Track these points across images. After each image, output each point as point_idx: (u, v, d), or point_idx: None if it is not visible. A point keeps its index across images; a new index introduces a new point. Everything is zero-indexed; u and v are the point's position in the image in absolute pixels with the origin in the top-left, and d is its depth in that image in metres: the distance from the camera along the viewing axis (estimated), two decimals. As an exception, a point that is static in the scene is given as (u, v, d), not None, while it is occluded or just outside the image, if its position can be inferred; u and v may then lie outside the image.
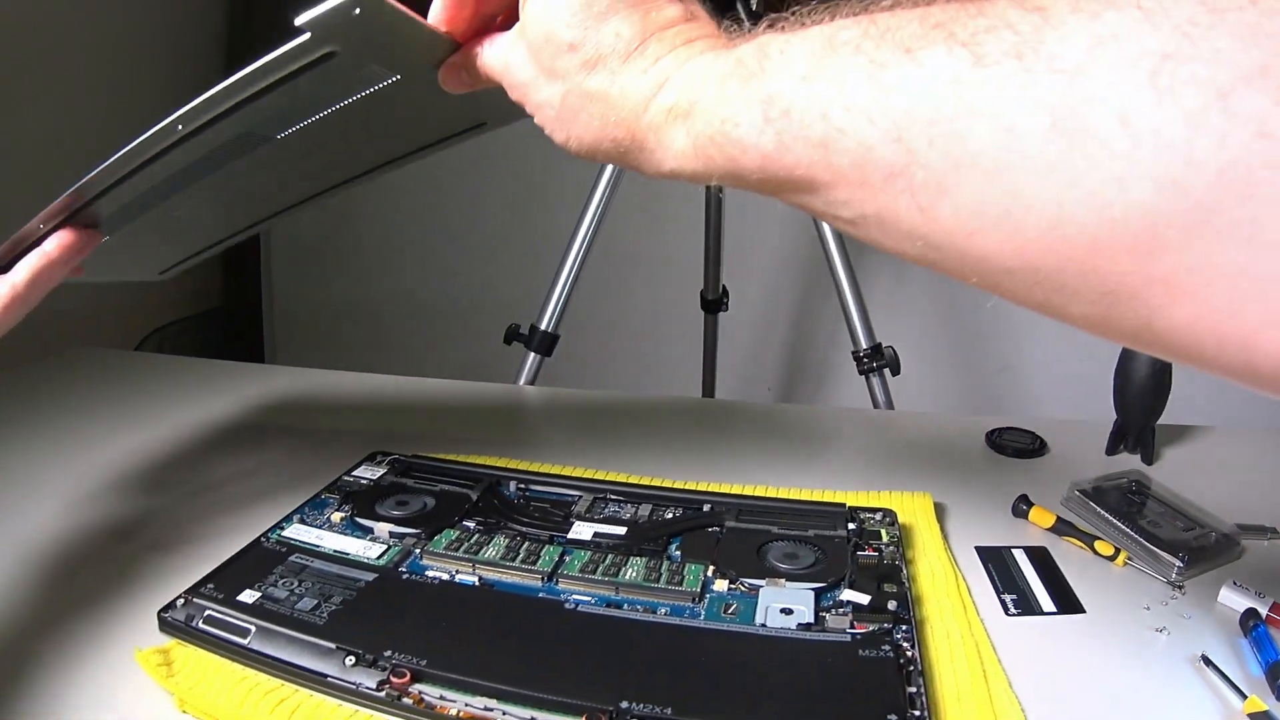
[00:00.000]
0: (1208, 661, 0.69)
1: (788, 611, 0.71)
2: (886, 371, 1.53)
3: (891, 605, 0.71)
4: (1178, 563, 0.81)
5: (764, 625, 0.69)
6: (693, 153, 0.48)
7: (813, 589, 0.74)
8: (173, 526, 0.89)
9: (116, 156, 0.64)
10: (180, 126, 0.61)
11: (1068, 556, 0.87)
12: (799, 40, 0.43)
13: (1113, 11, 0.33)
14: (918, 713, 0.59)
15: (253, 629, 0.67)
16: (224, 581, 0.73)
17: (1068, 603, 0.79)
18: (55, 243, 0.70)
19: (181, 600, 0.71)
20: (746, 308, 2.30)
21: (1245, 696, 0.64)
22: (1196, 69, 0.30)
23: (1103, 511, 0.92)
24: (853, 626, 0.69)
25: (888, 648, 0.66)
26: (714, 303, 2.00)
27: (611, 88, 0.50)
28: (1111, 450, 1.10)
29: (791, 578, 0.76)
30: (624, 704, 0.59)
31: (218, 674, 0.65)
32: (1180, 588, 0.81)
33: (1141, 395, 1.05)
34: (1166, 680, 0.68)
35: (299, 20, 0.53)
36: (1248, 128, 0.30)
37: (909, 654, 0.66)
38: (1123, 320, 0.35)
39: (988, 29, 0.36)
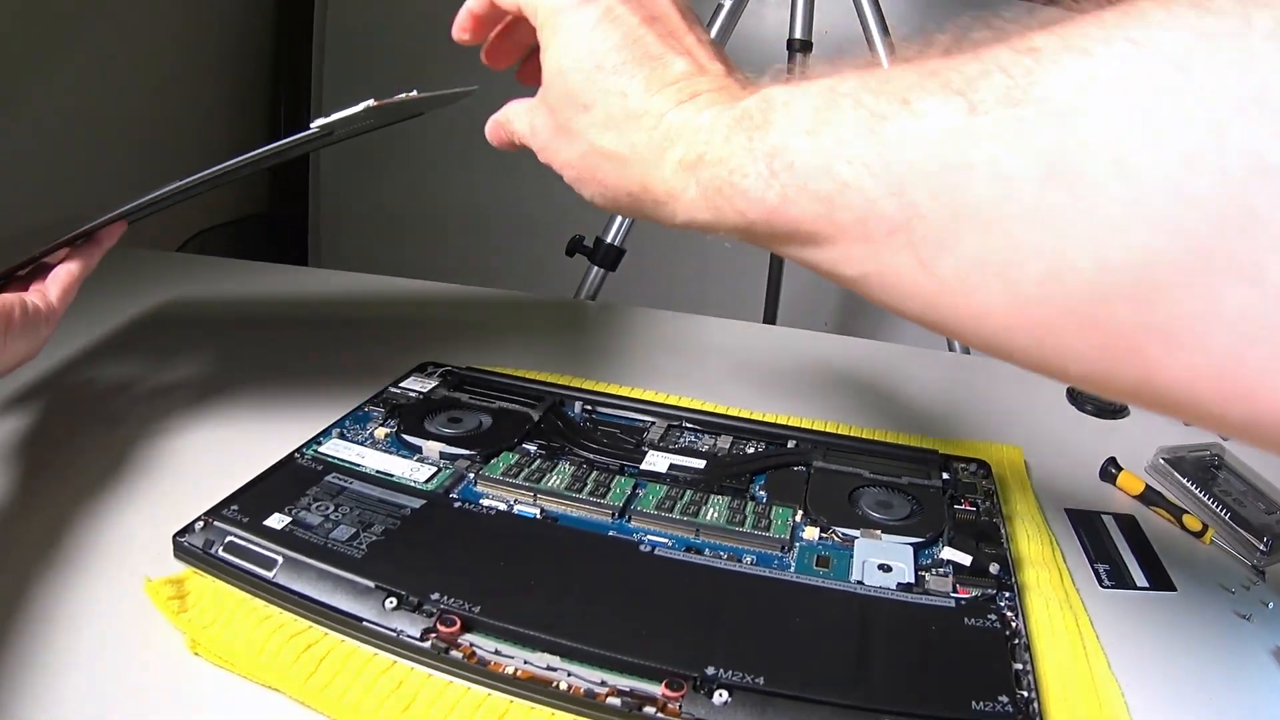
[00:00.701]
0: None
1: (886, 568, 0.66)
2: None
3: (994, 568, 0.66)
4: (1261, 546, 0.77)
5: (860, 582, 0.65)
6: (703, 203, 0.48)
7: (911, 544, 0.69)
8: (200, 440, 0.83)
9: (159, 194, 0.74)
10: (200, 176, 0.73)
11: (1156, 528, 0.83)
12: (802, 92, 0.43)
13: (1103, 46, 0.32)
14: (1026, 693, 0.55)
15: (280, 560, 0.61)
16: (250, 503, 0.66)
17: (1160, 578, 0.75)
18: (80, 261, 0.76)
19: (200, 523, 0.64)
20: None
21: None
22: (1190, 103, 0.29)
23: (1187, 483, 0.87)
24: (955, 590, 0.64)
25: (994, 616, 0.61)
26: None
27: (622, 145, 0.51)
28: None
29: (887, 529, 0.71)
30: (710, 670, 0.53)
31: (237, 611, 0.58)
32: (1262, 573, 0.77)
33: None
34: (1253, 672, 0.65)
35: (316, 124, 0.67)
36: (1247, 162, 0.28)
37: (1014, 625, 0.61)
38: (1123, 375, 0.34)
39: (981, 74, 0.35)
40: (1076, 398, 1.09)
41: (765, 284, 2.05)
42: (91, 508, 0.70)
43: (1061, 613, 0.67)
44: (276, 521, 0.64)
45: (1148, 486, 0.87)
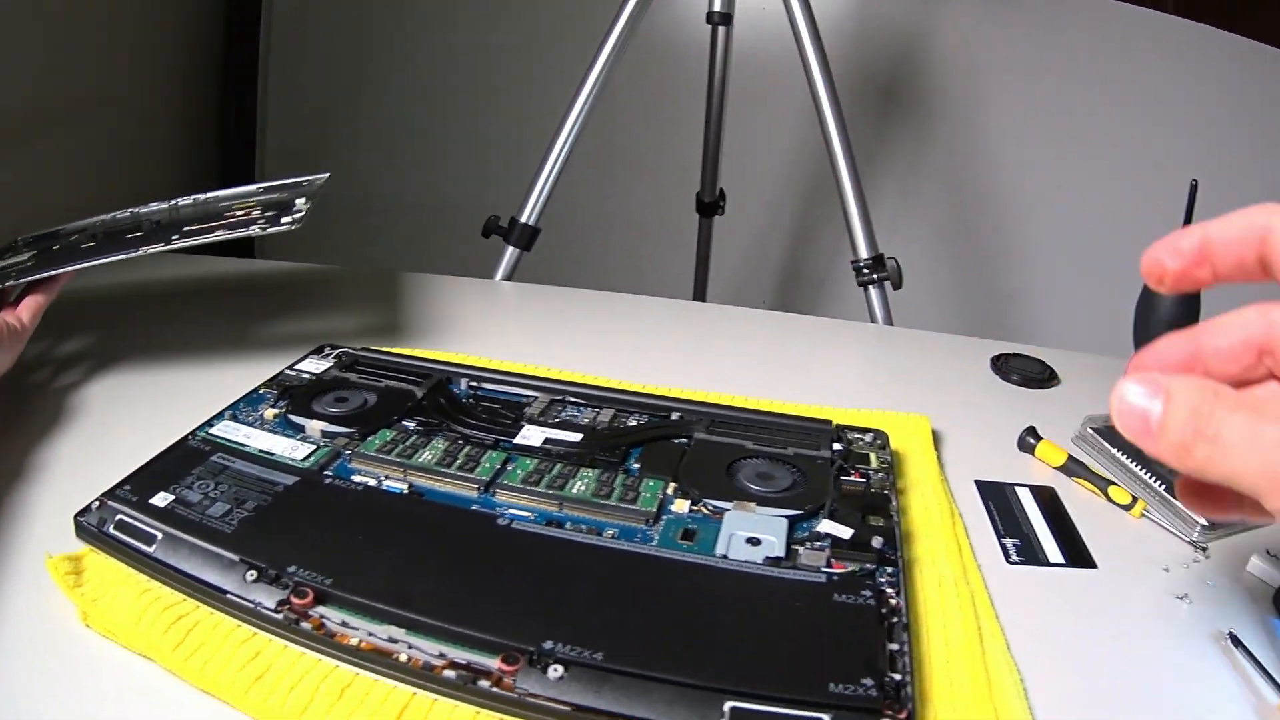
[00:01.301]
0: (1236, 641, 0.60)
1: (754, 542, 0.62)
2: (887, 285, 1.45)
3: (877, 542, 0.62)
4: (1201, 521, 0.73)
5: (725, 556, 0.61)
6: None
7: (787, 517, 0.65)
8: (113, 424, 0.82)
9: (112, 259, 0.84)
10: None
11: (1078, 501, 0.79)
12: None
13: None
14: (899, 676, 0.50)
15: (159, 536, 0.60)
16: (141, 483, 0.66)
17: (1077, 554, 0.71)
18: (45, 294, 0.85)
19: (97, 503, 0.64)
20: (744, 214, 2.22)
21: None
22: None
23: (1119, 454, 0.83)
24: (829, 565, 0.60)
25: (868, 593, 0.56)
26: (710, 205, 1.91)
27: None
28: None
29: (763, 502, 0.67)
30: (547, 644, 0.51)
31: (122, 585, 0.59)
32: (1203, 550, 0.72)
33: (1166, 331, 0.93)
34: (1187, 656, 0.60)
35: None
36: None
37: (893, 602, 0.57)
38: None
39: None
40: (1002, 367, 1.04)
41: (694, 264, 2.02)
42: (10, 488, 0.71)
43: (956, 590, 0.63)
44: (161, 500, 0.64)
45: (1070, 457, 0.82)
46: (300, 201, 0.90)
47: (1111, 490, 0.78)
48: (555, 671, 0.50)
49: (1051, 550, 0.71)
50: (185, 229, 0.87)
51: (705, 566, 0.59)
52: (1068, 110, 2.20)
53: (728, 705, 0.48)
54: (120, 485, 0.65)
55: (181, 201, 0.98)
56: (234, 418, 0.77)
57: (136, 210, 0.97)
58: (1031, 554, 0.70)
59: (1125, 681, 0.57)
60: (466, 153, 2.67)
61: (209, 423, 0.76)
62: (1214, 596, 0.66)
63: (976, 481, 0.80)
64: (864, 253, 1.44)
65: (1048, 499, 0.78)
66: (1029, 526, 0.74)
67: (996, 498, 0.78)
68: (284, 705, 0.50)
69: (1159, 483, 0.78)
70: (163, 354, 0.96)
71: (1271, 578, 0.67)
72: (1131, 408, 0.38)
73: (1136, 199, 2.14)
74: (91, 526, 0.62)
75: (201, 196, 1.00)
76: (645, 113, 2.40)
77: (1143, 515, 0.76)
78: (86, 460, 0.76)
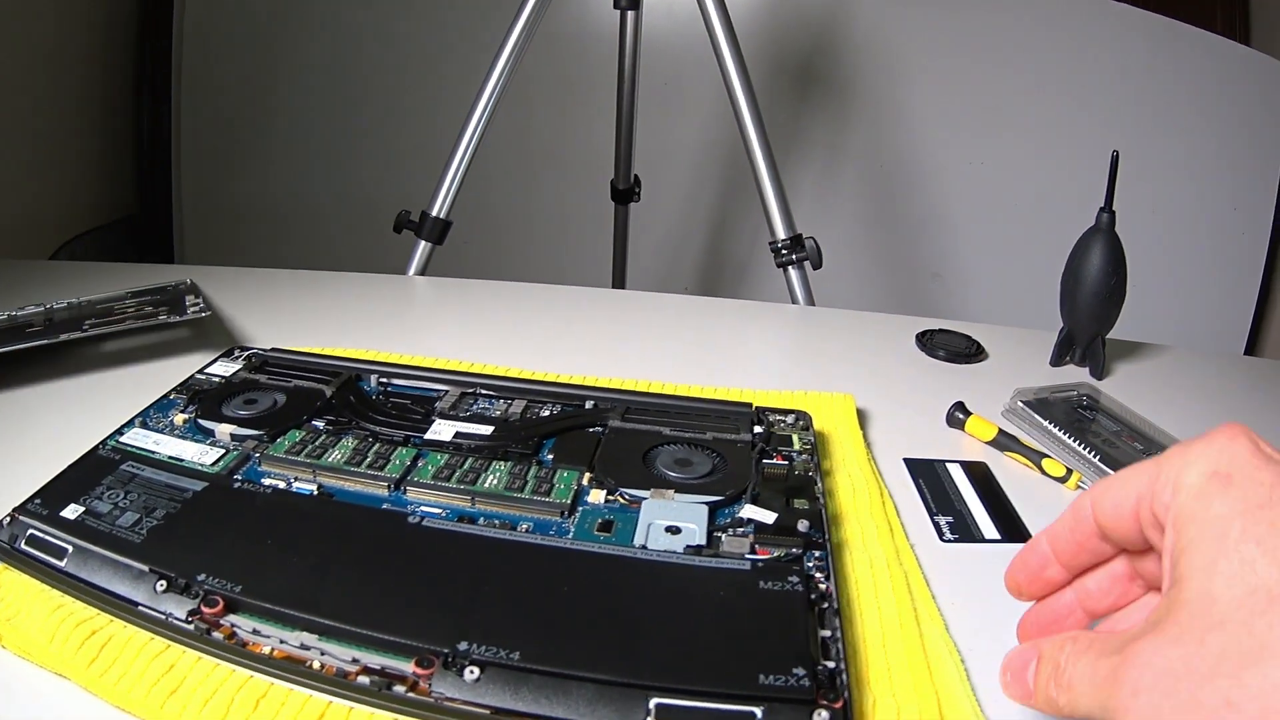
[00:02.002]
0: None
1: (674, 530, 0.60)
2: (807, 265, 1.43)
3: (802, 526, 0.60)
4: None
5: (644, 547, 0.59)
6: None
7: (707, 503, 0.63)
8: (18, 438, 0.79)
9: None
10: None
11: (1011, 475, 0.78)
12: None
13: None
14: (831, 663, 0.49)
15: (70, 549, 0.58)
16: (52, 496, 0.63)
17: (1013, 530, 0.70)
18: None
19: (8, 518, 0.61)
20: (661, 201, 2.21)
21: None
22: None
23: (1051, 426, 0.82)
24: (754, 551, 0.58)
25: (796, 579, 0.54)
26: (625, 193, 1.90)
27: None
28: (1057, 361, 1.01)
29: (682, 489, 0.65)
30: (462, 645, 0.49)
31: (35, 602, 0.57)
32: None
33: (1093, 300, 0.94)
34: None
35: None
36: None
37: (822, 587, 0.55)
38: None
39: None
40: (927, 343, 1.03)
41: (611, 253, 2.01)
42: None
43: (889, 572, 0.61)
44: (71, 512, 0.62)
45: (1001, 431, 0.81)
46: (190, 298, 0.98)
47: (1045, 463, 0.77)
48: (471, 674, 0.48)
49: (986, 526, 0.70)
50: (87, 323, 0.90)
51: (624, 558, 0.57)
52: (985, 88, 2.21)
53: (653, 702, 0.46)
54: (31, 499, 0.63)
55: (56, 304, 1.00)
56: (144, 425, 0.75)
57: (15, 314, 0.97)
58: (966, 531, 0.69)
59: None
60: (378, 149, 2.64)
61: (119, 431, 0.73)
62: None
63: (905, 459, 0.78)
64: (781, 233, 1.42)
65: (980, 474, 0.77)
66: (961, 503, 0.73)
67: (927, 475, 0.76)
68: (199, 718, 0.48)
69: (1093, 453, 0.77)
70: (71, 362, 0.93)
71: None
72: (1016, 675, 0.44)
73: (1057, 174, 2.16)
74: (3, 543, 0.60)
75: (76, 300, 1.01)
76: (556, 100, 2.38)
77: (1078, 487, 0.76)
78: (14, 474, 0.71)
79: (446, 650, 0.49)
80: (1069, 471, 0.76)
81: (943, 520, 0.70)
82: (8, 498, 0.63)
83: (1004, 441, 0.81)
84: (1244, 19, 2.13)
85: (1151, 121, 2.10)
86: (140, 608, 0.54)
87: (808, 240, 1.40)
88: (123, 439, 0.72)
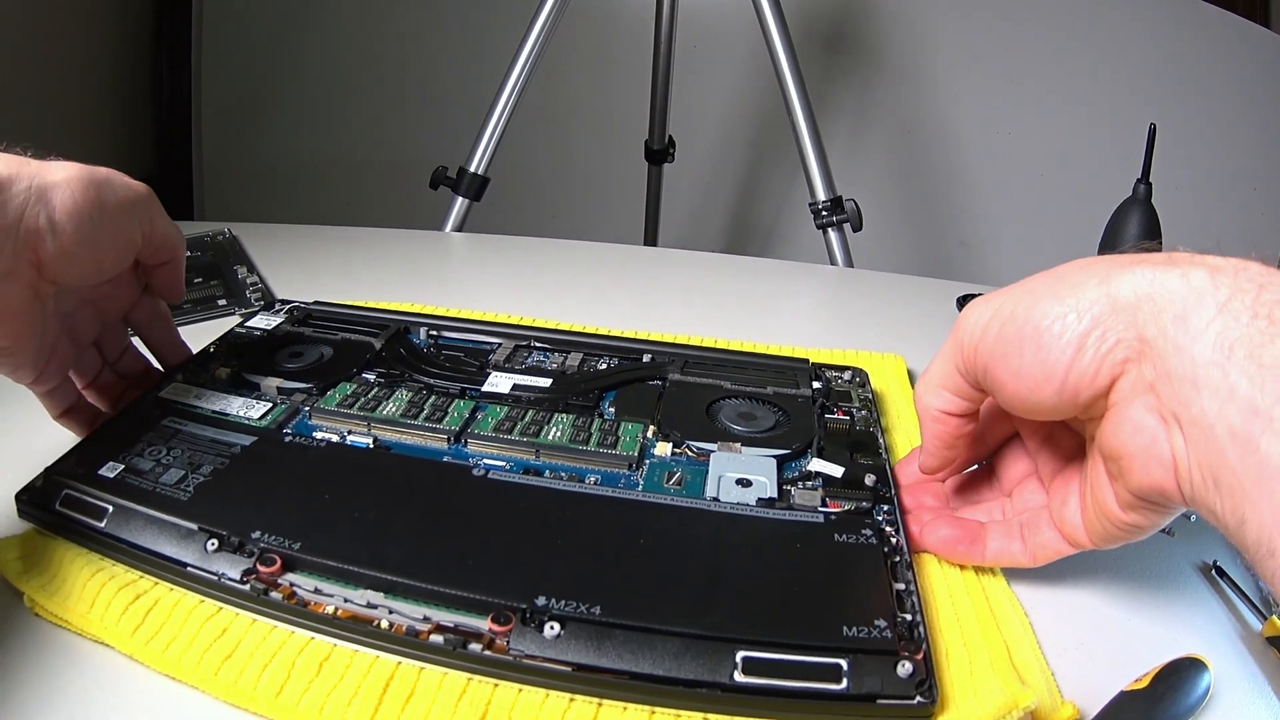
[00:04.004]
0: (1220, 572, 0.59)
1: (745, 483, 0.60)
2: (846, 227, 1.43)
3: (869, 480, 0.60)
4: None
5: (716, 499, 0.58)
6: None
7: (774, 456, 0.63)
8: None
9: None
10: None
11: None
12: None
13: None
14: (909, 615, 0.49)
15: (110, 509, 0.55)
16: (88, 454, 0.60)
17: None
18: None
19: (40, 479, 0.58)
20: (694, 161, 2.21)
21: (1266, 617, 0.54)
22: None
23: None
24: (825, 504, 0.58)
25: (869, 531, 0.55)
26: (659, 153, 1.90)
27: None
28: None
29: (749, 442, 0.65)
30: (540, 600, 0.48)
31: (72, 566, 0.54)
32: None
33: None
34: (1175, 587, 0.59)
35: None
36: None
37: (894, 540, 0.55)
38: None
39: None
40: (969, 308, 1.02)
41: (644, 212, 2.01)
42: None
43: None
44: (110, 470, 0.59)
45: None
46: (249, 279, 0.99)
47: None
48: (552, 629, 0.47)
49: None
50: None
51: (697, 510, 0.57)
52: (1019, 53, 2.20)
53: (740, 655, 0.46)
54: (65, 458, 0.60)
55: None
56: (184, 379, 0.71)
57: None
58: None
59: (1118, 610, 0.57)
60: (402, 108, 2.64)
61: (158, 385, 0.70)
62: (1194, 530, 0.65)
63: None
64: (822, 195, 1.42)
65: None
66: None
67: None
68: (257, 684, 0.47)
69: None
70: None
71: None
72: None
73: (1081, 147, 2.16)
74: (36, 505, 0.58)
75: None
76: (592, 59, 2.37)
77: None
78: (15, 438, 0.70)
79: (524, 606, 0.48)
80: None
81: (997, 481, 0.69)
82: (37, 458, 0.61)
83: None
84: (1264, 2, 2.12)
85: (1173, 99, 2.10)
86: (189, 568, 0.52)
87: (848, 202, 1.40)
88: (162, 394, 0.69)
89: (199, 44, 2.58)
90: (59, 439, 0.64)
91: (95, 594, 0.51)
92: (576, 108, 2.46)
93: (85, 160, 0.57)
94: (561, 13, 1.50)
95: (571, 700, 0.46)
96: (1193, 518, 0.64)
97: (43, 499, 0.57)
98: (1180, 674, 0.47)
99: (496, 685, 0.47)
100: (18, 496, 0.58)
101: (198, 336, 0.80)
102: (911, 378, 0.83)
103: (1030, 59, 2.19)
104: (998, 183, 2.30)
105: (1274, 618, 0.53)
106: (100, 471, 0.58)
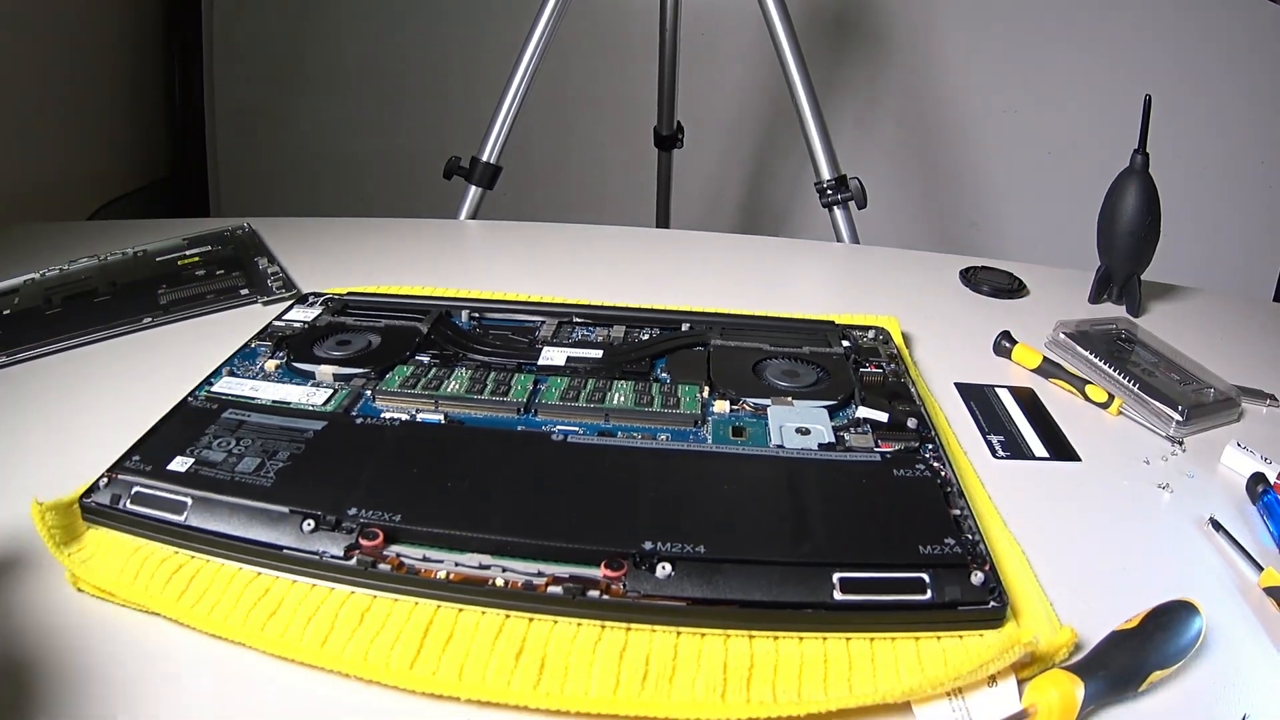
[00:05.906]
0: (1217, 526, 0.64)
1: (804, 431, 0.66)
2: (852, 205, 1.46)
3: (912, 423, 0.67)
4: (1177, 416, 0.77)
5: (781, 446, 0.64)
6: None
7: (824, 406, 0.69)
8: (90, 400, 0.77)
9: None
10: None
11: (1056, 400, 0.82)
12: None
13: None
14: (970, 535, 0.55)
15: (189, 501, 0.57)
16: (151, 451, 0.62)
17: (1061, 449, 0.75)
18: None
19: (104, 480, 0.59)
20: (703, 147, 2.22)
21: (1262, 568, 0.59)
22: None
23: (1092, 356, 0.86)
24: (878, 445, 0.64)
25: (922, 466, 0.61)
26: (668, 139, 1.93)
27: None
28: (1095, 298, 1.05)
29: (799, 396, 0.71)
30: (647, 545, 0.52)
31: (148, 561, 0.55)
32: (1180, 444, 0.76)
33: (1130, 238, 0.99)
34: (1173, 540, 0.64)
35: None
36: None
37: (943, 474, 0.61)
38: None
39: None
40: (971, 279, 1.08)
41: (655, 198, 2.04)
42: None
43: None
44: (180, 465, 0.60)
45: (1045, 359, 0.86)
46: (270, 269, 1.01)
47: (1089, 389, 0.81)
48: (664, 570, 0.51)
49: (1035, 445, 0.74)
50: (164, 301, 0.93)
51: (767, 457, 0.62)
52: (1021, 31, 2.21)
53: (836, 576, 0.51)
54: (127, 457, 0.61)
55: (110, 257, 1.03)
56: (232, 373, 0.75)
57: (64, 268, 1.01)
58: (1017, 449, 0.73)
59: (1117, 561, 0.61)
60: (414, 104, 2.61)
61: (207, 381, 0.73)
62: (1193, 486, 0.70)
63: (956, 384, 0.83)
64: (826, 174, 1.45)
65: (1027, 398, 0.82)
66: (1011, 424, 0.77)
67: (977, 398, 0.81)
68: (368, 653, 0.49)
69: (1133, 382, 0.81)
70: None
71: (1244, 467, 0.71)
72: None
73: (1090, 124, 2.16)
74: (104, 506, 0.58)
75: (129, 251, 1.06)
76: (599, 48, 2.37)
77: (1120, 413, 0.80)
78: (57, 444, 0.70)
79: (634, 551, 0.52)
80: (1111, 397, 0.80)
81: (994, 439, 0.74)
82: (91, 459, 0.61)
83: (1048, 369, 0.85)
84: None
85: (1181, 74, 2.09)
86: (286, 550, 0.54)
87: (851, 180, 1.43)
88: (214, 389, 0.71)
89: (210, 48, 2.57)
90: (106, 439, 0.64)
91: (182, 588, 0.53)
92: (585, 96, 2.46)
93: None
94: (568, 2, 1.52)
95: (679, 634, 0.51)
96: (1192, 475, 0.70)
97: (110, 500, 0.58)
98: (1170, 615, 0.51)
99: (603, 627, 0.51)
100: (81, 500, 0.58)
101: (222, 326, 0.85)
102: (911, 344, 0.89)
103: (1038, 39, 2.20)
104: (1006, 162, 2.30)
105: (1270, 569, 0.58)
106: (170, 467, 0.60)
